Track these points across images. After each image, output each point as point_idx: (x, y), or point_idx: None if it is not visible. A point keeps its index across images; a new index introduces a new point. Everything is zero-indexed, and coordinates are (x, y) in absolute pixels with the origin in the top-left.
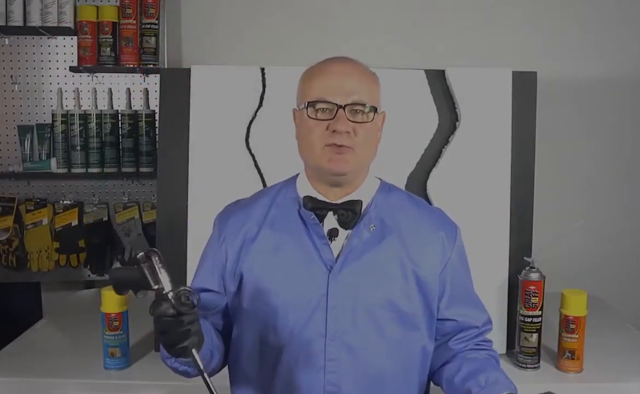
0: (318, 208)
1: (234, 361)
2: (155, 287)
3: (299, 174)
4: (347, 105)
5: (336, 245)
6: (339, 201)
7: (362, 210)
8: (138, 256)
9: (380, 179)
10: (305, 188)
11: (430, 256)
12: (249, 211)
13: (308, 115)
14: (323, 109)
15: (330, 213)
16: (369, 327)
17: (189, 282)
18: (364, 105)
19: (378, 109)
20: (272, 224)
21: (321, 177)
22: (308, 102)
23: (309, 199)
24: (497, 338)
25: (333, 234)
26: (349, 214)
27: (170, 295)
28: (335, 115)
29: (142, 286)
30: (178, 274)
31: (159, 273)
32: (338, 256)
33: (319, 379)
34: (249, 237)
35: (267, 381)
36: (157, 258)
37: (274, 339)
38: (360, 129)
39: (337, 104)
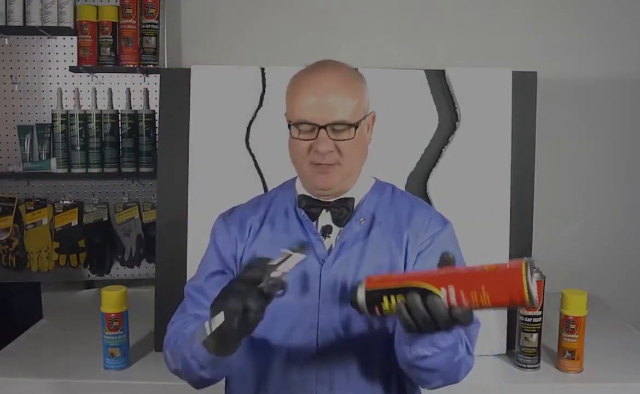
0: (312, 206)
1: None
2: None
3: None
4: (327, 125)
5: (330, 242)
6: (332, 200)
7: (355, 207)
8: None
9: (376, 179)
10: (301, 188)
11: (417, 245)
12: (253, 208)
13: (291, 135)
14: (305, 129)
15: (324, 211)
16: (358, 317)
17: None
18: (344, 123)
19: (365, 116)
20: (272, 221)
21: (310, 190)
22: (291, 123)
23: (303, 197)
24: (497, 338)
25: (327, 230)
26: (342, 210)
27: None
28: (317, 135)
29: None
30: (178, 273)
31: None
32: (332, 251)
33: (310, 369)
34: (253, 230)
35: (262, 373)
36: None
37: (269, 334)
38: (343, 145)
39: (317, 125)
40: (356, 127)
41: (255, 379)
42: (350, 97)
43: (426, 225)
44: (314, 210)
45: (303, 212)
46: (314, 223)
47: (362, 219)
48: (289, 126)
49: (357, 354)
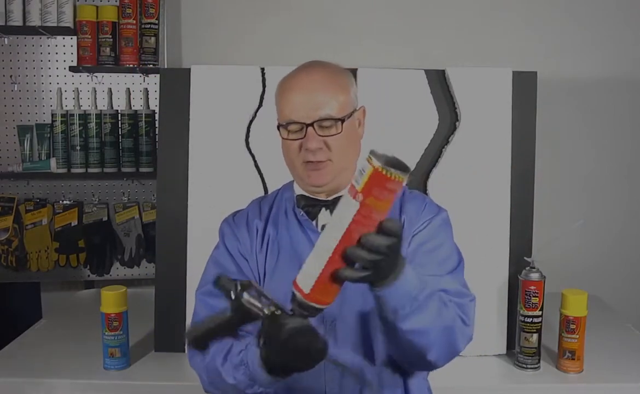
0: (310, 205)
1: None
2: (268, 312)
3: None
4: (314, 122)
5: None
6: (330, 198)
7: None
8: (234, 294)
9: None
10: (300, 189)
11: (412, 227)
12: (255, 210)
13: (281, 136)
14: (294, 129)
15: (324, 209)
16: (360, 310)
17: (188, 281)
18: (331, 119)
19: (353, 111)
20: (274, 221)
21: (305, 188)
22: (279, 125)
23: (301, 197)
24: (497, 338)
25: None
26: None
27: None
28: (305, 133)
29: (244, 322)
30: (178, 273)
31: (260, 298)
32: None
33: (319, 372)
34: (259, 233)
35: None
36: (252, 288)
37: None
38: (331, 141)
39: (304, 123)
40: (342, 122)
41: None
42: (335, 93)
43: (421, 210)
44: (312, 209)
45: (302, 212)
46: (314, 222)
47: None
48: (278, 128)
49: (361, 345)
